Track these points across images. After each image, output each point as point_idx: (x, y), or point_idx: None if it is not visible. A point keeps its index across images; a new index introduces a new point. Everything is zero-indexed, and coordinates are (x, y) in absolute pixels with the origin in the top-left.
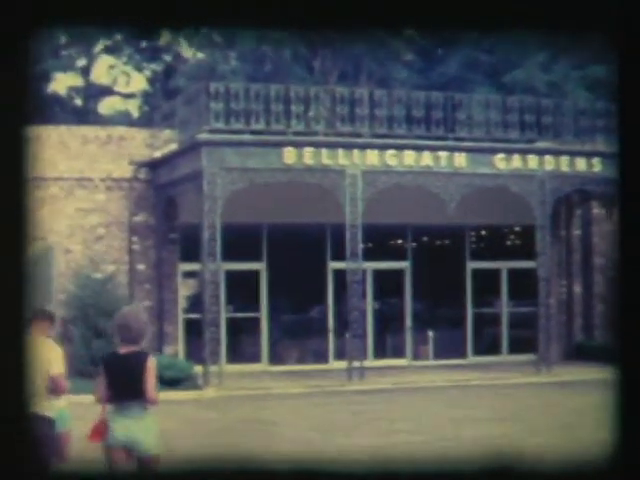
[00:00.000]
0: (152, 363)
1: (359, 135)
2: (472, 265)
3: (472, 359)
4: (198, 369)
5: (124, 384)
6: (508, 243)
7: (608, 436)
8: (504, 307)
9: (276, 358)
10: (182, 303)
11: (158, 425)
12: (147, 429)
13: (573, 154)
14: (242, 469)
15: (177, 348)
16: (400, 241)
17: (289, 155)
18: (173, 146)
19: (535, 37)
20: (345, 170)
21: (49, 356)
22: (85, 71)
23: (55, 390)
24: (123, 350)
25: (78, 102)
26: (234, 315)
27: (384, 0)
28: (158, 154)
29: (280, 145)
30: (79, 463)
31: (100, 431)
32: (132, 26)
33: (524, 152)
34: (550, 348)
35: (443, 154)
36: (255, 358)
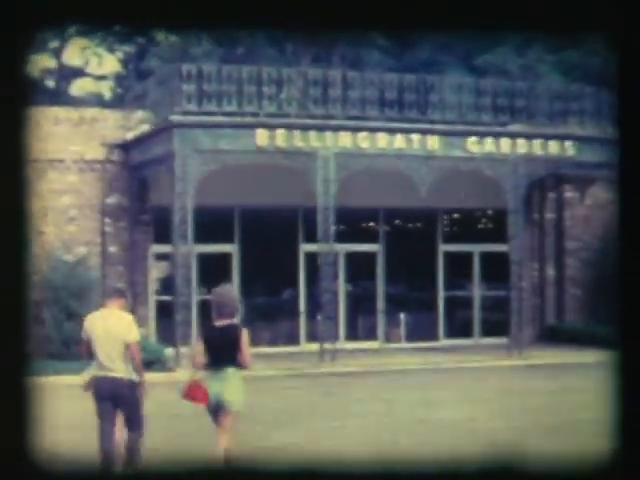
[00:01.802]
0: (246, 334)
1: (331, 117)
2: (444, 248)
3: (444, 342)
4: (169, 351)
5: (220, 352)
6: (480, 226)
7: (579, 419)
8: (476, 290)
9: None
10: (154, 285)
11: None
12: (235, 390)
13: (546, 137)
14: (240, 469)
15: (148, 330)
16: (372, 224)
17: (261, 137)
18: (145, 127)
19: (536, 37)
20: (317, 152)
21: (123, 326)
22: (57, 52)
23: (131, 356)
24: (219, 323)
25: (50, 83)
26: (206, 297)
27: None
28: (130, 135)
29: (252, 127)
30: (79, 463)
31: (203, 394)
32: (130, 26)
33: (497, 135)
34: (522, 331)
35: (416, 137)
36: None
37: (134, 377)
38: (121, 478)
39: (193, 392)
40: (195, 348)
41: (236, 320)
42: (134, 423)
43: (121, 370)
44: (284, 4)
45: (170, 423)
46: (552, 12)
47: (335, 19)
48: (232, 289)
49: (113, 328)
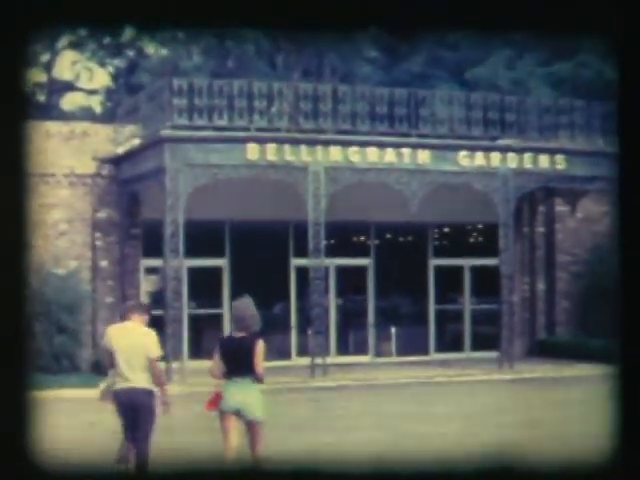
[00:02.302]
0: (260, 346)
1: (322, 131)
2: (435, 262)
3: (435, 356)
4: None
5: (237, 362)
6: (471, 240)
7: (570, 431)
8: (467, 304)
9: None
10: (144, 299)
11: (262, 395)
12: (254, 398)
13: (537, 151)
14: (238, 469)
15: None
16: (363, 238)
17: (252, 151)
18: (136, 142)
19: (535, 38)
20: (308, 166)
21: (147, 341)
22: (48, 67)
23: (153, 370)
24: (237, 335)
25: (41, 98)
26: (196, 311)
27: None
28: (121, 150)
29: (243, 141)
30: (79, 463)
31: (215, 401)
32: (131, 27)
33: (487, 149)
34: (513, 345)
35: (406, 151)
36: None
37: (152, 388)
38: (121, 478)
39: (213, 402)
40: (213, 358)
41: (253, 332)
42: (145, 432)
43: (141, 381)
44: (282, 5)
45: (162, 437)
46: (552, 13)
47: (333, 19)
48: (251, 303)
49: (137, 342)
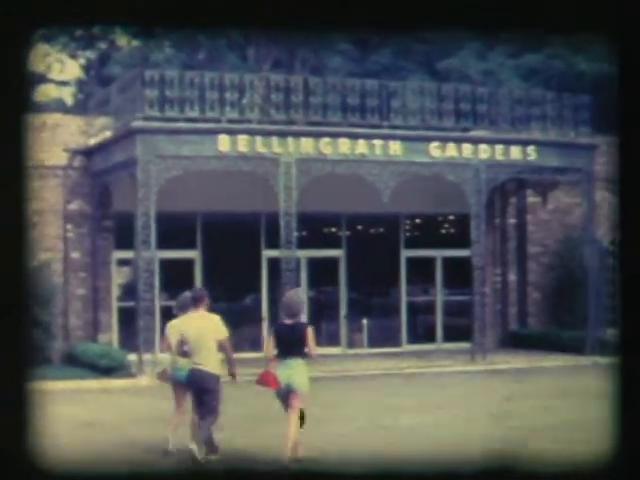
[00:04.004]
0: (311, 330)
1: (293, 123)
2: (407, 253)
3: (407, 347)
4: (132, 357)
5: (289, 345)
6: (443, 231)
7: (543, 423)
8: (439, 295)
9: None
10: (116, 291)
11: (308, 373)
12: (302, 376)
13: (508, 142)
14: (237, 469)
15: (111, 336)
16: (334, 229)
17: (223, 143)
18: (108, 133)
19: (535, 37)
20: (279, 158)
21: (215, 326)
22: None
23: (225, 351)
24: (287, 321)
25: None
26: (168, 303)
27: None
28: (93, 141)
29: (214, 133)
30: (79, 463)
31: (274, 380)
32: (131, 26)
33: (459, 140)
34: (485, 336)
35: (378, 142)
36: None
37: (217, 372)
38: (121, 478)
39: (266, 379)
40: (267, 342)
41: (302, 318)
42: (211, 410)
43: (210, 364)
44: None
45: (132, 430)
46: (552, 12)
47: (305, 19)
48: (299, 293)
49: (204, 328)
